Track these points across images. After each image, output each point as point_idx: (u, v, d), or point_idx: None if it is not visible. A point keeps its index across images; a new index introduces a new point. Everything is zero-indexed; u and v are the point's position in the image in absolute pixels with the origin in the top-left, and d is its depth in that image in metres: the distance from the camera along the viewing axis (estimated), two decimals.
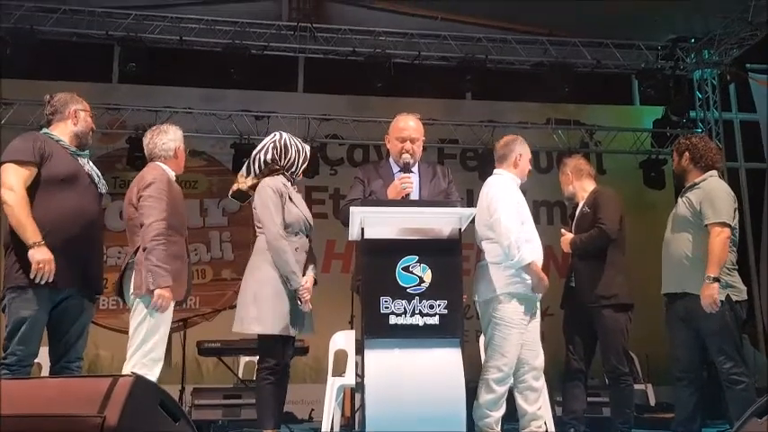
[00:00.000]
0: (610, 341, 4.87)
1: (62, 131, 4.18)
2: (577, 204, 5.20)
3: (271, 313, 4.27)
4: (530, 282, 4.39)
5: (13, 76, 8.90)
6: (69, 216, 3.99)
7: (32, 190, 3.96)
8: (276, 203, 4.35)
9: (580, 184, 5.20)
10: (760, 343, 9.44)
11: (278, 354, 4.34)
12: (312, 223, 4.54)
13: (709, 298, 4.42)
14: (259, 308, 4.27)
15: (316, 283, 4.48)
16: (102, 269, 4.31)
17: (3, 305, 3.95)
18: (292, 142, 4.57)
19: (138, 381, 2.31)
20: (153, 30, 9.16)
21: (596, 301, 4.87)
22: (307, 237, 4.52)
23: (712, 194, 4.64)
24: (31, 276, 3.80)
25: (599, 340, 4.95)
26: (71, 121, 4.20)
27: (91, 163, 4.28)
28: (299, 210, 4.45)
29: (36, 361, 4.17)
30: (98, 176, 4.25)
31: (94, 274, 4.18)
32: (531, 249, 4.43)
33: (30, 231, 3.84)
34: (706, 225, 4.55)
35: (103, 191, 4.27)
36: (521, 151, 4.71)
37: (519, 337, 4.42)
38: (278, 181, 4.45)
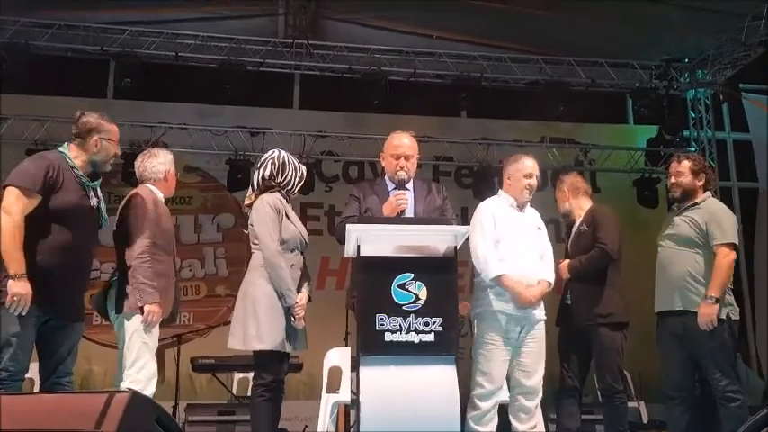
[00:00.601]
0: (605, 359, 4.89)
1: (77, 155, 4.11)
2: (573, 222, 5.21)
3: (268, 330, 4.30)
4: (502, 299, 4.44)
5: (8, 92, 8.90)
6: (65, 251, 3.96)
7: (33, 216, 3.89)
8: (274, 220, 4.38)
9: (576, 202, 5.22)
10: (752, 361, 9.48)
11: (274, 370, 4.37)
12: (307, 240, 4.56)
13: (707, 317, 4.48)
14: (258, 324, 4.29)
15: (309, 300, 4.51)
16: (83, 297, 4.27)
17: None
18: (290, 160, 4.60)
19: (135, 396, 2.30)
20: (148, 45, 9.18)
21: (593, 319, 4.88)
22: (302, 254, 4.55)
23: (718, 215, 4.72)
24: (7, 306, 3.77)
25: (594, 358, 4.96)
26: (92, 149, 4.11)
27: (99, 193, 4.22)
28: (296, 227, 4.48)
29: (28, 376, 4.17)
30: (101, 210, 4.20)
31: (80, 303, 4.17)
32: (503, 265, 4.45)
33: (14, 262, 3.78)
34: (714, 245, 4.61)
35: (104, 226, 4.26)
36: (509, 171, 4.76)
37: (503, 355, 4.44)
38: (275, 197, 4.48)
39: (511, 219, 4.63)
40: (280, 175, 4.54)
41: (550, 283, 4.61)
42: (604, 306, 4.89)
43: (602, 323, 4.87)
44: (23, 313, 3.79)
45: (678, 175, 4.88)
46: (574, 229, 5.18)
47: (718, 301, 4.49)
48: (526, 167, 4.71)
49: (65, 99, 8.98)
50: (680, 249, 4.74)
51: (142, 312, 4.20)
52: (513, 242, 4.55)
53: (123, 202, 4.51)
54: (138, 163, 4.65)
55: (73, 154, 4.11)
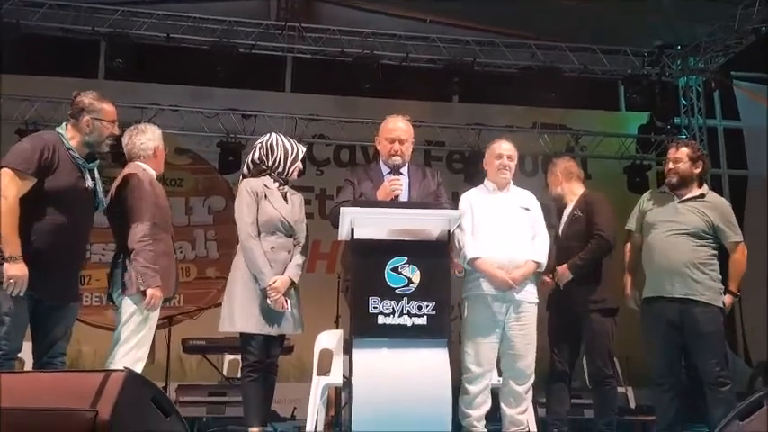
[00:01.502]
0: (597, 344, 4.92)
1: (73, 136, 4.08)
2: (564, 206, 5.22)
3: (239, 311, 4.40)
4: (487, 282, 4.50)
5: None
6: (59, 233, 3.95)
7: (28, 198, 3.87)
8: (249, 203, 4.47)
9: (569, 187, 5.23)
10: (738, 348, 9.57)
11: (255, 351, 4.44)
12: (291, 222, 4.56)
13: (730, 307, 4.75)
14: (229, 306, 4.42)
15: (293, 283, 4.50)
16: (78, 278, 4.27)
17: None
18: (280, 143, 4.61)
19: (131, 376, 2.32)
20: (140, 26, 9.11)
21: (585, 305, 4.90)
22: (290, 237, 4.56)
23: (729, 213, 4.85)
24: (4, 288, 3.77)
25: (585, 343, 4.98)
26: (84, 130, 4.08)
27: (97, 175, 4.20)
28: (276, 210, 4.50)
29: (19, 356, 4.18)
30: (98, 192, 4.19)
31: (74, 285, 4.17)
32: (479, 249, 4.52)
33: (10, 244, 3.78)
34: (730, 242, 4.77)
35: (101, 208, 4.24)
36: (486, 157, 4.86)
37: (490, 338, 4.50)
38: (256, 182, 4.55)
39: (490, 203, 4.68)
40: (269, 159, 4.58)
41: (539, 264, 4.63)
42: (598, 292, 4.91)
43: (594, 309, 4.89)
44: (21, 294, 3.79)
45: (676, 162, 4.90)
46: (566, 214, 5.18)
47: (737, 296, 4.71)
48: (495, 150, 4.78)
49: (55, 79, 8.93)
50: (682, 237, 4.74)
51: (144, 296, 4.19)
52: (493, 226, 4.60)
53: (118, 182, 4.45)
54: (125, 140, 4.60)
55: (69, 135, 4.08)
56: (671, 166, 4.93)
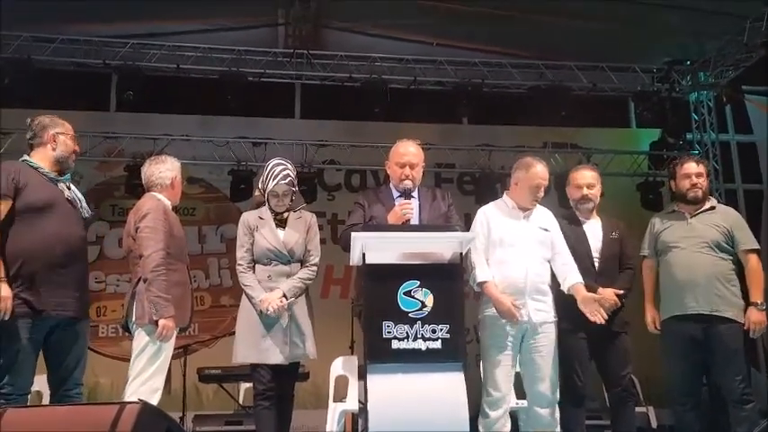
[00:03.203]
0: (626, 362, 4.82)
1: (41, 157, 4.15)
2: (578, 220, 5.04)
3: (241, 343, 4.54)
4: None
5: (11, 106, 8.90)
6: (47, 242, 3.97)
7: (10, 221, 3.93)
8: (241, 237, 4.66)
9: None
10: (760, 363, 9.45)
11: (264, 380, 4.50)
12: (288, 250, 4.62)
13: (759, 324, 4.58)
14: (236, 337, 4.60)
15: (285, 297, 4.51)
16: (87, 292, 4.26)
17: None
18: (265, 171, 4.70)
19: (145, 407, 2.32)
20: (150, 58, 9.19)
21: (622, 326, 4.82)
22: (288, 263, 4.62)
23: (741, 221, 4.82)
24: None
25: (610, 362, 4.83)
26: (50, 146, 4.16)
27: (73, 187, 4.26)
28: (266, 240, 4.59)
29: (36, 389, 4.18)
30: (80, 200, 4.23)
31: (79, 298, 4.13)
32: (489, 272, 4.45)
33: None
34: (743, 250, 4.71)
35: (86, 215, 4.25)
36: (518, 176, 4.70)
37: (505, 360, 4.42)
38: (251, 215, 4.72)
39: (509, 224, 4.60)
40: (262, 185, 4.72)
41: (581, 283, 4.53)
42: (626, 313, 4.85)
43: (625, 330, 4.82)
44: (6, 317, 3.78)
45: (699, 176, 4.89)
46: (595, 231, 4.96)
47: (764, 308, 4.59)
48: (537, 176, 4.62)
49: (67, 113, 8.94)
50: (703, 251, 4.70)
51: (157, 326, 4.18)
52: (510, 246, 4.52)
53: (133, 212, 4.48)
54: (144, 169, 4.65)
55: (36, 158, 4.15)
56: (694, 180, 4.87)
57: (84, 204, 4.26)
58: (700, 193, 4.86)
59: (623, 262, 4.93)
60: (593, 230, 4.95)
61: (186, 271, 4.53)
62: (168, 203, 4.56)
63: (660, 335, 4.89)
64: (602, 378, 5.04)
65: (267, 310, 4.43)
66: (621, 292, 4.75)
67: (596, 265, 4.85)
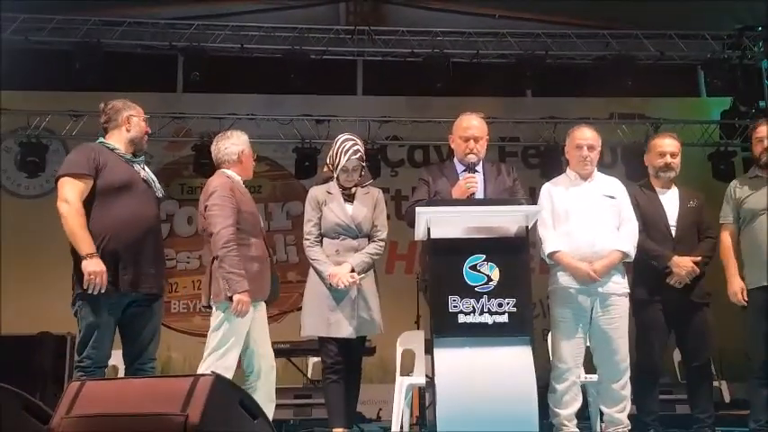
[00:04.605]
0: (708, 338, 4.75)
1: (117, 139, 4.27)
2: (653, 188, 4.96)
3: (308, 317, 4.61)
4: (569, 275, 4.42)
5: (81, 89, 9.16)
6: (128, 221, 4.07)
7: (91, 200, 4.05)
8: (309, 211, 4.68)
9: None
10: None
11: (332, 354, 4.55)
12: (357, 224, 4.64)
13: None
14: (303, 312, 4.66)
15: (353, 270, 4.52)
16: (163, 270, 4.36)
17: (74, 311, 4.06)
18: (333, 149, 4.70)
19: (218, 380, 2.37)
20: (215, 39, 9.29)
21: (703, 297, 4.75)
22: (356, 238, 4.65)
23: None
24: (84, 287, 3.89)
25: (693, 336, 4.75)
26: (125, 128, 4.27)
27: (147, 168, 4.35)
28: (335, 214, 4.61)
29: (112, 363, 4.30)
30: (154, 181, 4.32)
31: (156, 275, 4.22)
32: (559, 242, 4.45)
33: (83, 243, 3.92)
34: None
35: (160, 195, 4.34)
36: (567, 145, 4.73)
37: (574, 332, 4.40)
38: (319, 189, 4.73)
39: (572, 194, 4.58)
40: (331, 161, 4.72)
41: (625, 254, 4.47)
42: (707, 285, 4.77)
43: (708, 302, 4.75)
44: (102, 290, 3.90)
45: (763, 140, 4.75)
46: (672, 199, 4.88)
47: None
48: (576, 138, 4.65)
49: (135, 95, 9.12)
50: None
51: (231, 302, 4.21)
52: (575, 217, 4.50)
53: (205, 193, 4.49)
54: (212, 147, 4.67)
55: (112, 140, 4.27)
56: (766, 144, 4.74)
57: (158, 185, 4.34)
58: (765, 156, 4.71)
59: (702, 231, 4.84)
60: (671, 199, 4.88)
61: (262, 245, 4.51)
62: (238, 179, 4.56)
63: (748, 305, 4.69)
64: (680, 351, 4.98)
65: (338, 285, 4.46)
66: (699, 258, 4.67)
67: (673, 233, 4.78)
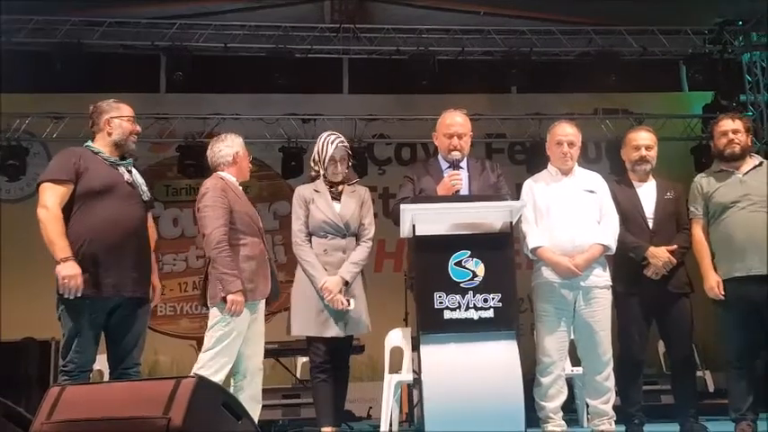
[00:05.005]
0: (687, 328, 4.77)
1: (101, 143, 4.24)
2: (630, 182, 4.98)
3: (297, 316, 4.59)
4: (552, 270, 4.46)
5: (62, 91, 9.10)
6: (107, 225, 4.05)
7: (72, 205, 4.04)
8: (297, 209, 4.67)
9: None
10: None
11: (320, 353, 4.55)
12: (344, 223, 4.64)
13: None
14: (291, 311, 4.62)
15: (347, 283, 4.54)
16: (148, 273, 4.31)
17: (58, 316, 4.04)
18: (317, 146, 4.73)
19: (201, 382, 2.36)
20: (198, 38, 9.24)
21: (682, 287, 4.76)
22: (344, 237, 4.65)
23: None
24: (60, 291, 3.88)
25: (673, 327, 4.77)
26: (106, 131, 4.24)
27: (135, 171, 4.32)
28: (322, 212, 4.60)
29: (97, 368, 4.28)
30: (141, 184, 4.28)
31: (139, 279, 4.18)
32: (541, 238, 4.48)
33: (58, 247, 3.91)
34: None
35: (146, 198, 4.30)
36: (548, 141, 4.79)
37: (557, 326, 4.44)
38: (306, 188, 4.73)
39: (553, 189, 4.62)
40: (315, 163, 4.75)
41: (606, 247, 4.50)
42: (687, 274, 4.79)
43: (687, 292, 4.77)
44: (78, 294, 3.88)
45: (736, 132, 4.76)
46: (649, 193, 4.90)
47: None
48: (556, 134, 4.70)
49: (118, 95, 9.07)
50: (762, 211, 4.56)
51: (225, 302, 4.22)
52: (556, 212, 4.54)
53: (198, 196, 4.54)
54: (208, 151, 4.69)
55: (97, 144, 4.24)
56: (731, 137, 4.75)
57: (144, 188, 4.30)
58: (737, 148, 4.73)
59: (680, 222, 4.86)
60: (648, 192, 4.90)
61: (259, 244, 4.51)
62: (233, 180, 4.58)
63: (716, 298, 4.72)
64: (663, 343, 5.02)
65: (330, 305, 4.46)
66: (675, 248, 4.69)
67: (651, 225, 4.80)
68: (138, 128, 4.39)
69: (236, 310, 4.19)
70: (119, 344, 4.14)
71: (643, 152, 4.88)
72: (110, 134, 4.24)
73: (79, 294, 3.89)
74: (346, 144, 4.74)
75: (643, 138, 4.94)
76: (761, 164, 4.74)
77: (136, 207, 4.23)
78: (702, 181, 4.89)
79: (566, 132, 4.67)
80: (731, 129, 4.78)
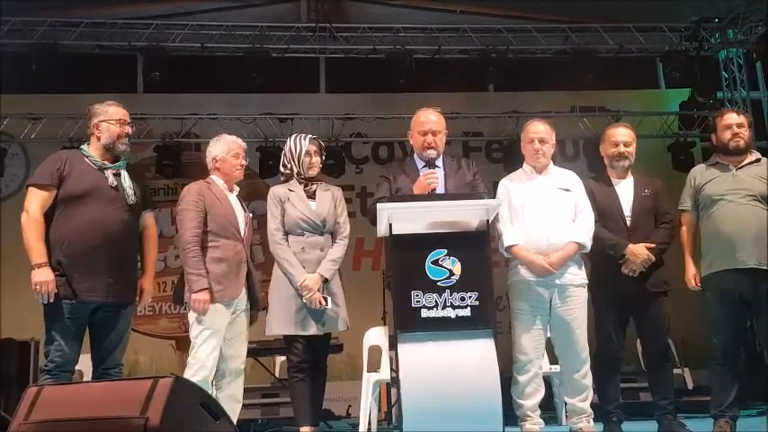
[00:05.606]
0: (664, 326, 4.79)
1: (93, 147, 4.30)
2: (609, 178, 4.99)
3: (275, 315, 4.57)
4: (527, 268, 4.49)
5: (40, 91, 9.04)
6: (85, 229, 4.07)
7: (55, 209, 4.09)
8: (272, 208, 4.65)
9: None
10: None
11: (298, 352, 4.56)
12: (320, 220, 4.64)
13: None
14: (268, 310, 4.61)
15: (326, 281, 4.55)
16: (128, 276, 4.29)
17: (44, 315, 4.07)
18: (288, 146, 4.76)
19: (178, 382, 2.36)
20: (174, 38, 9.23)
21: (659, 286, 4.78)
22: (322, 234, 4.65)
23: None
24: (35, 296, 3.93)
25: (649, 325, 4.79)
26: (96, 135, 4.29)
27: (125, 174, 4.31)
28: (298, 210, 4.61)
29: (78, 368, 4.28)
30: (128, 188, 4.28)
31: (116, 284, 4.16)
32: (516, 236, 4.51)
33: (34, 252, 3.97)
34: None
35: (131, 202, 4.28)
36: (522, 138, 4.82)
37: (532, 324, 4.48)
38: (280, 188, 4.74)
39: (527, 188, 4.65)
40: (287, 163, 4.77)
41: (580, 245, 4.53)
42: (667, 273, 4.82)
43: (664, 291, 4.79)
44: (51, 300, 3.93)
45: (741, 126, 4.78)
46: (626, 190, 4.92)
47: None
48: (528, 132, 4.75)
49: (96, 96, 9.06)
50: (751, 204, 4.59)
51: None
52: (530, 210, 4.57)
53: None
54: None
55: (90, 147, 4.31)
56: (735, 130, 4.76)
57: (130, 191, 4.29)
58: (741, 143, 4.75)
59: (659, 218, 4.88)
60: (626, 189, 4.92)
61: (234, 247, 4.51)
62: (219, 183, 4.63)
63: (702, 291, 4.75)
64: (640, 341, 5.04)
65: (309, 304, 4.47)
66: (653, 245, 4.72)
67: (628, 222, 4.83)
68: (128, 129, 4.38)
69: (198, 308, 4.26)
70: (101, 344, 4.16)
71: (621, 148, 4.91)
72: (99, 138, 4.28)
73: (52, 300, 3.93)
74: (317, 139, 4.80)
75: (622, 134, 4.97)
76: (758, 160, 4.76)
77: (119, 211, 4.22)
78: (696, 174, 4.92)
79: (537, 130, 4.71)
80: (736, 123, 4.80)
